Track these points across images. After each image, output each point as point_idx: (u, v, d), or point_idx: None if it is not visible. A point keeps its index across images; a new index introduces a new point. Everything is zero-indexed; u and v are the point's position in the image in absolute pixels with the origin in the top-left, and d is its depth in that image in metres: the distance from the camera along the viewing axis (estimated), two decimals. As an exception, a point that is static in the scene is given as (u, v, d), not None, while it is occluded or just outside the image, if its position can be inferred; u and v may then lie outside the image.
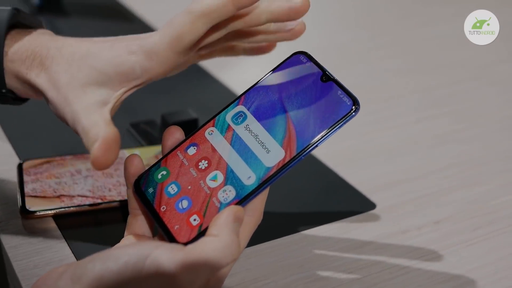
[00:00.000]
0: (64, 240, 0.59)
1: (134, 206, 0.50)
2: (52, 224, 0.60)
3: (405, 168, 0.72)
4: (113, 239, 0.58)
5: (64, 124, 0.51)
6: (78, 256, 0.57)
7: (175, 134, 0.51)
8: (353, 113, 0.48)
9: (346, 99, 0.48)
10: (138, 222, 0.50)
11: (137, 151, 0.68)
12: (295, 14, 0.53)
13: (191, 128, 0.74)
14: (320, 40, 1.03)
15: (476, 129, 0.80)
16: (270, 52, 0.61)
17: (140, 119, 0.78)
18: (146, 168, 0.51)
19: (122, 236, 0.58)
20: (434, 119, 0.82)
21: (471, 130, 0.80)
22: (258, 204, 0.47)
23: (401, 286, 0.55)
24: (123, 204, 0.62)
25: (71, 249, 0.58)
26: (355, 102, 0.48)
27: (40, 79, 0.51)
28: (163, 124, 0.74)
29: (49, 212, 0.60)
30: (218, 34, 0.53)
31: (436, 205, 0.65)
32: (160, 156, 0.51)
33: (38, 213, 0.60)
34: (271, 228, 0.61)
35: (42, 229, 0.60)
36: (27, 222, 0.60)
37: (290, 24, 0.56)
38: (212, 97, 0.84)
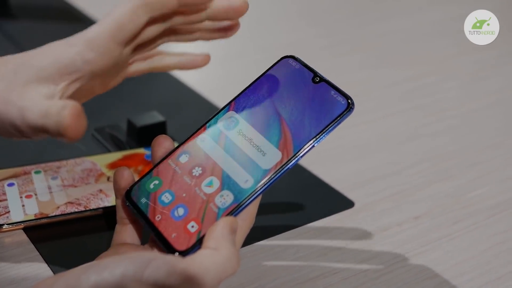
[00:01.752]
0: (38, 253, 0.56)
1: (122, 215, 0.48)
2: (23, 237, 0.58)
3: (377, 165, 0.71)
4: (89, 249, 0.57)
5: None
6: (55, 269, 0.54)
7: (164, 144, 0.50)
8: (349, 111, 0.47)
9: (340, 98, 0.48)
10: (127, 231, 0.49)
11: (95, 158, 0.66)
12: (234, 13, 0.53)
13: (159, 131, 0.72)
14: (269, 40, 1.03)
15: (443, 123, 0.80)
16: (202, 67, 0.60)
17: (104, 123, 0.75)
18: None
19: (100, 246, 0.56)
20: (401, 114, 0.82)
21: (438, 124, 0.80)
22: (251, 208, 0.46)
23: (388, 284, 0.55)
24: (96, 213, 0.60)
25: (46, 262, 0.55)
26: (349, 100, 0.47)
27: None
28: (130, 127, 0.72)
29: (18, 225, 0.58)
30: (157, 28, 0.52)
31: (413, 201, 0.65)
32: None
33: (5, 227, 0.57)
34: (250, 231, 0.60)
35: (13, 243, 0.57)
36: (-4, 236, 0.58)
37: (225, 22, 0.56)
38: (178, 99, 0.82)
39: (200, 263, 0.42)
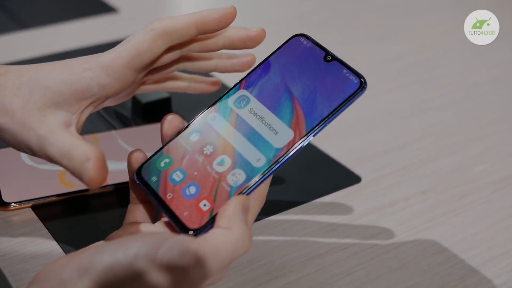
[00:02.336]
0: (47, 231, 0.56)
1: (135, 196, 0.49)
2: (32, 216, 0.58)
3: (382, 140, 0.71)
4: (99, 227, 0.57)
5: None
6: (65, 247, 0.55)
7: (173, 122, 0.50)
8: (361, 91, 0.47)
9: (352, 77, 0.48)
10: (139, 210, 0.49)
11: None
12: (251, 42, 0.52)
13: (164, 107, 0.72)
14: (265, 15, 1.02)
15: (445, 98, 0.80)
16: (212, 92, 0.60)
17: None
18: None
19: (109, 223, 0.56)
20: (404, 89, 0.82)
21: (441, 99, 0.80)
22: (262, 187, 0.46)
23: (397, 259, 0.55)
24: (105, 190, 0.60)
25: (56, 240, 0.55)
26: (362, 79, 0.47)
27: None
28: (135, 104, 0.72)
29: (26, 204, 0.58)
30: (173, 55, 0.52)
31: (419, 176, 0.66)
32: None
33: (13, 205, 0.57)
34: (258, 207, 0.60)
35: (22, 222, 0.57)
36: (4, 215, 0.58)
37: (242, 55, 0.55)
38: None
39: (213, 242, 0.42)
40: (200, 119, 0.50)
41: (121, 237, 0.47)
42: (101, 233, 0.53)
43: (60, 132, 0.46)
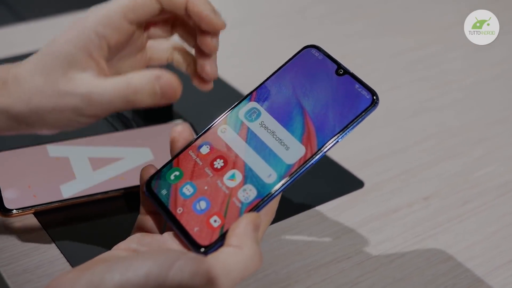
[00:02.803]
0: (50, 238, 0.56)
1: (143, 208, 0.49)
2: (34, 222, 0.57)
3: (384, 142, 0.71)
4: (104, 235, 0.56)
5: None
6: (69, 256, 0.54)
7: (183, 134, 0.49)
8: (373, 107, 0.47)
9: (364, 92, 0.47)
10: (149, 221, 0.49)
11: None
12: (207, 24, 0.50)
13: (165, 112, 0.71)
14: (265, 9, 1.01)
15: (448, 97, 0.80)
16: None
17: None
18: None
19: (114, 231, 0.56)
20: (406, 87, 0.82)
21: (443, 98, 0.80)
22: (273, 203, 0.46)
23: (401, 269, 0.55)
24: (108, 196, 0.59)
25: (59, 249, 0.55)
26: (374, 95, 0.47)
27: (10, 97, 0.47)
28: (136, 105, 0.71)
29: (28, 210, 0.57)
30: (168, 17, 0.52)
31: (421, 180, 0.66)
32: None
33: (15, 212, 0.57)
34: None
35: (24, 229, 0.57)
36: (6, 222, 0.57)
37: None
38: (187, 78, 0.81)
39: (223, 262, 0.42)
40: (211, 131, 0.49)
41: (130, 251, 0.46)
42: (105, 242, 0.53)
43: (101, 81, 0.46)
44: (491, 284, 0.54)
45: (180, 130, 0.50)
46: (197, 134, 0.66)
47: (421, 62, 0.87)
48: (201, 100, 0.75)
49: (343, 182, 0.64)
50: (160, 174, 0.48)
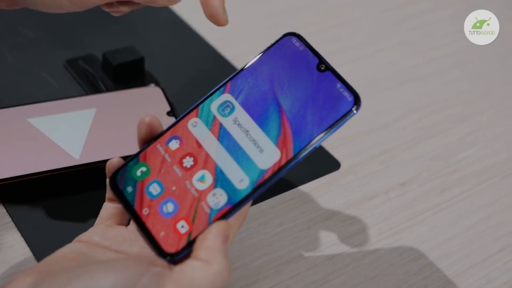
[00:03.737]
0: (10, 219, 0.54)
1: (110, 195, 0.46)
2: (-6, 199, 0.55)
3: (364, 116, 0.68)
4: (70, 215, 0.54)
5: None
6: (30, 242, 0.52)
7: (151, 124, 0.46)
8: (354, 111, 0.43)
9: (346, 94, 0.44)
10: (115, 209, 0.46)
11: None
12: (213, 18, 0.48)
13: (136, 69, 0.67)
14: None
15: (433, 64, 0.77)
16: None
17: (78, 53, 0.70)
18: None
19: (81, 210, 0.54)
20: (391, 50, 0.78)
21: (428, 66, 0.77)
22: (245, 206, 0.44)
23: (373, 266, 0.54)
24: (77, 169, 0.57)
25: (20, 232, 0.53)
26: (356, 98, 0.44)
27: None
28: (105, 64, 0.67)
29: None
30: None
31: (400, 162, 0.63)
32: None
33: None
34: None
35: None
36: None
37: None
38: (162, 33, 0.76)
39: (190, 278, 0.40)
40: (181, 124, 0.46)
41: (92, 244, 0.44)
42: (70, 223, 0.52)
43: None
44: (462, 286, 0.53)
45: (148, 121, 0.47)
46: (167, 99, 0.64)
47: (408, 21, 0.83)
48: (175, 60, 0.72)
49: (318, 162, 0.62)
50: (126, 168, 0.46)
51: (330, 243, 0.55)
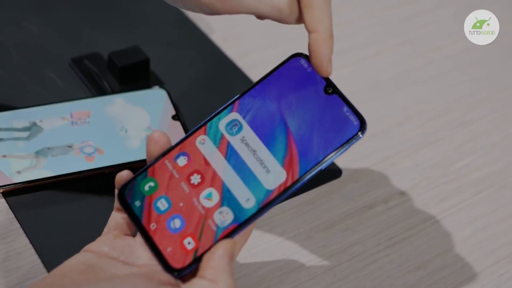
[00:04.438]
0: (19, 225, 0.55)
1: (119, 205, 0.47)
2: (2, 204, 0.56)
3: (366, 119, 0.69)
4: (77, 222, 0.55)
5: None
6: (39, 249, 0.53)
7: (160, 141, 0.47)
8: (360, 136, 0.45)
9: (352, 118, 0.45)
10: (123, 219, 0.47)
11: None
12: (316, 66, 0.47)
13: (142, 70, 0.68)
14: None
15: (434, 67, 0.77)
16: None
17: (83, 52, 0.71)
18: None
19: (91, 216, 0.55)
20: (392, 51, 0.79)
21: (429, 68, 0.77)
22: (251, 225, 0.45)
23: (372, 277, 0.55)
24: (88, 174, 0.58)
25: (28, 239, 0.54)
26: (362, 123, 0.45)
27: None
28: (110, 65, 0.68)
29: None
30: None
31: (400, 170, 0.65)
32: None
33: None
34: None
35: (-8, 211, 0.55)
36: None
37: None
38: (166, 31, 0.76)
39: None
40: (189, 141, 0.47)
41: (101, 255, 0.45)
42: (78, 230, 0.53)
43: None
44: (458, 300, 0.55)
45: (157, 136, 0.48)
46: (173, 102, 0.65)
47: (410, 20, 0.84)
48: (179, 62, 0.72)
49: (320, 169, 0.63)
50: (134, 183, 0.47)
51: (331, 253, 0.57)
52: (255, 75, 0.71)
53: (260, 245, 0.56)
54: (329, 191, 0.62)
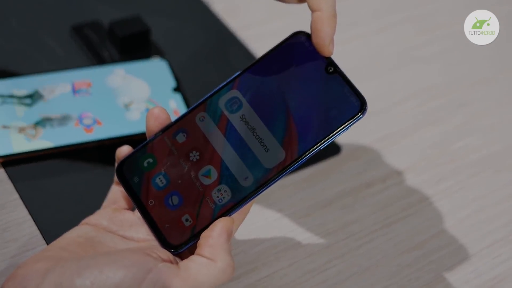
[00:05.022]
0: (18, 196, 0.55)
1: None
2: (1, 175, 0.56)
3: (367, 98, 0.69)
4: (77, 193, 0.55)
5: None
6: (38, 220, 0.53)
7: (159, 117, 0.47)
8: (360, 116, 0.44)
9: (353, 98, 0.45)
10: (123, 193, 0.48)
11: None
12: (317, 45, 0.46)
13: (142, 41, 0.67)
14: None
15: (435, 45, 0.77)
16: None
17: (83, 19, 0.70)
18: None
19: (88, 189, 0.55)
20: (394, 28, 0.78)
21: (430, 46, 0.77)
22: (249, 203, 0.45)
23: (368, 257, 0.56)
24: (86, 147, 0.58)
25: (28, 210, 0.54)
26: (363, 103, 0.45)
27: None
28: (111, 35, 0.67)
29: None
30: None
31: (399, 149, 0.65)
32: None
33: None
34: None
35: (-9, 181, 0.55)
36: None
37: None
38: (171, 2, 0.75)
39: (195, 275, 0.42)
40: (188, 117, 0.47)
41: (100, 228, 0.46)
42: (78, 202, 0.53)
43: None
44: (451, 280, 0.55)
45: (157, 112, 0.47)
46: (172, 70, 0.64)
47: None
48: (180, 31, 0.72)
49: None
50: (133, 158, 0.47)
51: (327, 231, 0.57)
52: (256, 48, 0.71)
53: (257, 222, 0.57)
54: (328, 168, 0.62)
